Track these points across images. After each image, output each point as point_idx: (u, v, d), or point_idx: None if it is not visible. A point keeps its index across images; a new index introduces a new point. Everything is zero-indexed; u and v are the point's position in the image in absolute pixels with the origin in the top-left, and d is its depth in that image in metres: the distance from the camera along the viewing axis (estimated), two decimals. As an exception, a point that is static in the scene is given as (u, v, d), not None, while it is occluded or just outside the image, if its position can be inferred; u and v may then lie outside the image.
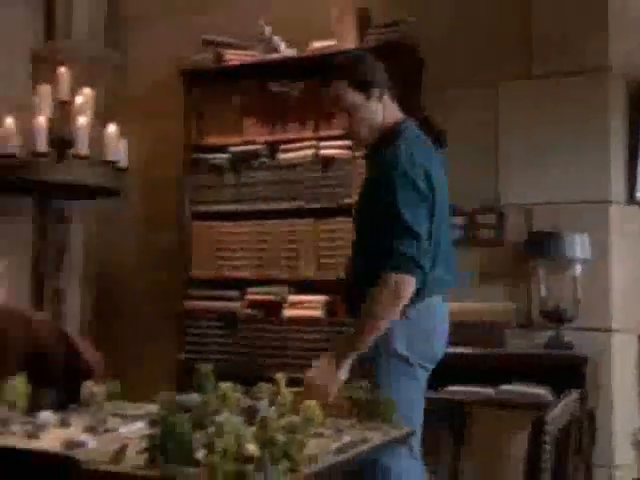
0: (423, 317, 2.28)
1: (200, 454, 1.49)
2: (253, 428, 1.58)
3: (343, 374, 2.21)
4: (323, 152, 3.63)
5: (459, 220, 3.55)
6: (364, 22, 3.68)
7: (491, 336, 3.30)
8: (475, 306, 3.38)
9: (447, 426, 2.92)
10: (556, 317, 3.28)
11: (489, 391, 3.01)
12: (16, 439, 1.71)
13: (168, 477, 1.45)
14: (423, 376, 2.36)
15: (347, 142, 3.52)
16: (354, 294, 2.31)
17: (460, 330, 3.34)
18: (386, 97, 2.34)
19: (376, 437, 1.84)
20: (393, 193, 2.22)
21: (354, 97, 2.29)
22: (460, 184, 3.55)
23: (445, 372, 3.19)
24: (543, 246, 3.36)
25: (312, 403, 1.88)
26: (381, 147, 2.31)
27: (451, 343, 3.34)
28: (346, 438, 1.78)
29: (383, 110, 2.34)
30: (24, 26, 4.26)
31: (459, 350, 3.24)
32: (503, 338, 3.28)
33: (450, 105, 3.62)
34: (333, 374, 2.20)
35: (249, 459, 1.45)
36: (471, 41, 3.65)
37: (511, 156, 3.54)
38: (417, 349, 2.27)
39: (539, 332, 3.33)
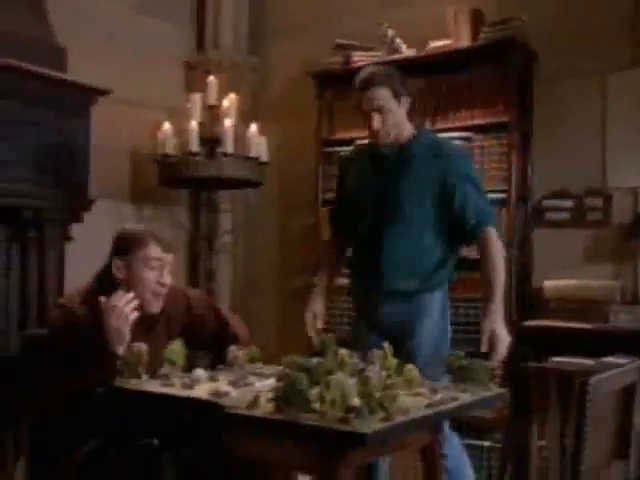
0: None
1: (316, 404, 1.82)
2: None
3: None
4: (441, 143, 3.90)
5: (568, 203, 3.77)
6: (478, 21, 3.84)
7: (596, 312, 3.47)
8: (582, 284, 3.56)
9: (554, 392, 3.21)
10: (660, 295, 3.43)
11: (589, 362, 3.22)
12: (176, 389, 2.09)
13: (290, 420, 1.80)
14: None
15: (462, 134, 3.77)
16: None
17: (568, 306, 3.59)
18: (407, 106, 2.78)
19: (464, 397, 2.10)
20: (468, 173, 2.77)
21: (391, 103, 2.71)
22: (569, 169, 3.78)
23: (553, 344, 3.47)
24: (648, 227, 3.51)
25: (412, 367, 2.25)
26: (414, 146, 2.77)
27: (559, 318, 3.60)
28: (438, 396, 2.06)
29: (404, 115, 2.79)
30: (178, 39, 4.73)
31: (566, 324, 3.47)
32: (607, 314, 3.44)
33: (561, 95, 3.81)
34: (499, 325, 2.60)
35: (352, 409, 1.77)
36: (579, 33, 3.78)
37: (618, 142, 3.67)
38: (448, 313, 2.79)
39: (644, 309, 3.45)
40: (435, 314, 2.76)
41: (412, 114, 2.91)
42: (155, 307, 2.45)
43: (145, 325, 2.42)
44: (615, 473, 2.02)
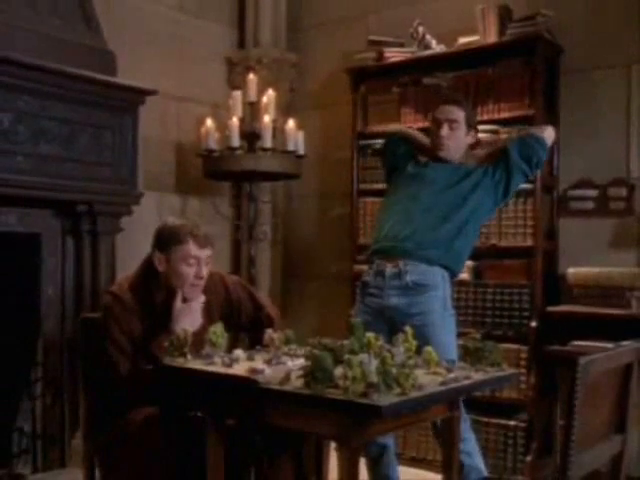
0: None
1: (340, 381, 1.97)
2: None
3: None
4: (469, 135, 4.01)
5: (592, 193, 3.87)
6: (505, 17, 3.95)
7: (619, 298, 3.57)
8: (605, 271, 3.66)
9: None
10: (682, 282, 3.48)
11: (608, 345, 3.34)
12: (216, 367, 2.24)
13: (316, 395, 1.97)
14: None
15: (489, 127, 3.89)
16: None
17: (591, 292, 3.72)
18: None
19: (477, 376, 2.25)
20: None
21: (462, 125, 3.04)
22: (594, 159, 3.88)
23: (577, 329, 3.61)
24: (670, 216, 3.59)
25: (431, 349, 2.45)
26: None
27: (583, 303, 3.74)
28: (452, 375, 2.20)
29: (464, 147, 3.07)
30: (220, 38, 4.93)
31: (589, 310, 3.59)
32: (629, 300, 3.53)
33: (586, 87, 3.90)
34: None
35: (371, 385, 1.94)
36: (604, 25, 3.87)
37: (642, 133, 3.75)
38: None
39: (666, 295, 3.53)
40: (440, 303, 2.98)
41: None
42: (194, 296, 2.62)
43: None
44: (614, 446, 2.21)
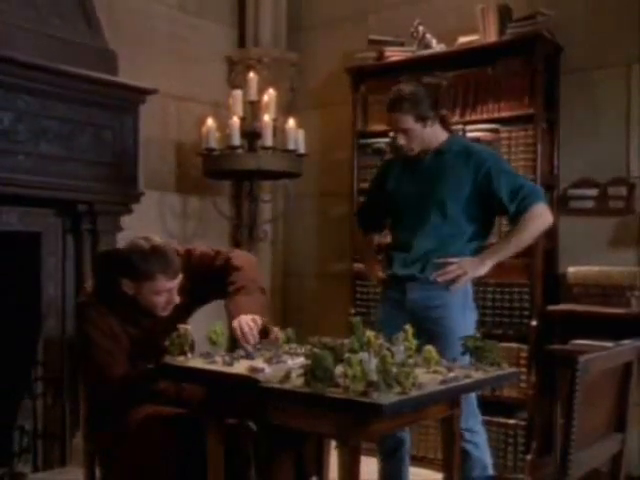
0: None
1: (340, 380, 1.98)
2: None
3: (483, 270, 2.93)
4: (469, 134, 3.93)
5: (592, 192, 3.87)
6: (505, 16, 3.96)
7: (618, 297, 3.58)
8: (604, 270, 3.66)
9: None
10: (680, 281, 3.51)
11: (608, 344, 3.34)
12: (217, 365, 2.26)
13: (316, 393, 1.97)
14: None
15: (489, 125, 3.92)
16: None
17: (591, 291, 3.73)
18: (436, 121, 2.96)
19: (477, 375, 2.26)
20: (499, 166, 2.97)
21: (415, 126, 2.94)
22: (594, 158, 3.88)
23: (577, 328, 3.62)
24: (670, 215, 3.59)
25: (431, 348, 2.45)
26: (447, 150, 3.00)
27: (583, 302, 3.74)
28: (452, 374, 2.21)
29: (434, 130, 2.97)
30: (221, 37, 4.95)
31: (588, 309, 3.60)
32: (629, 299, 3.55)
33: (586, 86, 3.91)
34: (477, 264, 2.92)
35: (372, 383, 1.95)
36: (604, 24, 3.87)
37: (641, 131, 3.75)
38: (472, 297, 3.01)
39: (665, 294, 3.54)
40: (461, 297, 2.97)
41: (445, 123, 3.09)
42: (165, 313, 2.59)
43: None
44: (613, 445, 2.21)
